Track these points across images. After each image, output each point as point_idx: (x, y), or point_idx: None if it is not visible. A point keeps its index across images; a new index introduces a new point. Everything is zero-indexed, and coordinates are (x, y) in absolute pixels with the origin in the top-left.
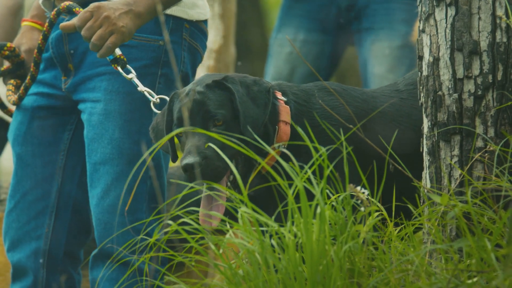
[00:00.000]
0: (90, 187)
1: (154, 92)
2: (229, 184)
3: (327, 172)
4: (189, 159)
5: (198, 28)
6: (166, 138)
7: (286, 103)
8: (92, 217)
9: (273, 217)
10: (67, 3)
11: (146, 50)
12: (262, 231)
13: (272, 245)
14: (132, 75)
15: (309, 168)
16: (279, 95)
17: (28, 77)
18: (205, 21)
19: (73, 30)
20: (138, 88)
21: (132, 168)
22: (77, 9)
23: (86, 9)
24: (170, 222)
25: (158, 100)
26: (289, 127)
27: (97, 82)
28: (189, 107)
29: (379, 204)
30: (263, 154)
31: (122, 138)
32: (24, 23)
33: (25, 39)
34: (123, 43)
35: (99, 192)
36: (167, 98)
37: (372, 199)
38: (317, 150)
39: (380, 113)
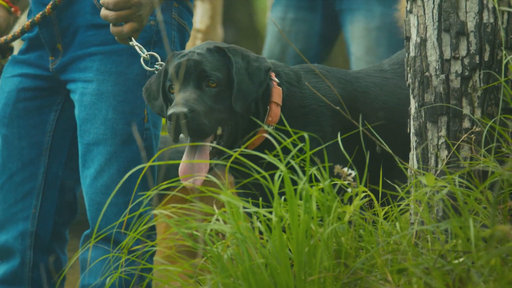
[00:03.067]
0: (83, 168)
1: (145, 74)
2: (211, 149)
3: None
4: (176, 109)
5: (186, 7)
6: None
7: (279, 84)
8: (85, 197)
9: (260, 199)
10: None
11: None
12: (249, 214)
13: (259, 228)
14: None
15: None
16: (273, 75)
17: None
18: (192, 0)
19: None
20: (130, 43)
21: (125, 148)
22: None
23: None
24: (156, 212)
25: (147, 56)
26: (279, 109)
27: (88, 62)
28: (186, 65)
29: (364, 188)
30: (251, 130)
31: (115, 118)
32: None
33: None
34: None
35: (92, 173)
36: (157, 55)
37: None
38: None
39: (364, 93)
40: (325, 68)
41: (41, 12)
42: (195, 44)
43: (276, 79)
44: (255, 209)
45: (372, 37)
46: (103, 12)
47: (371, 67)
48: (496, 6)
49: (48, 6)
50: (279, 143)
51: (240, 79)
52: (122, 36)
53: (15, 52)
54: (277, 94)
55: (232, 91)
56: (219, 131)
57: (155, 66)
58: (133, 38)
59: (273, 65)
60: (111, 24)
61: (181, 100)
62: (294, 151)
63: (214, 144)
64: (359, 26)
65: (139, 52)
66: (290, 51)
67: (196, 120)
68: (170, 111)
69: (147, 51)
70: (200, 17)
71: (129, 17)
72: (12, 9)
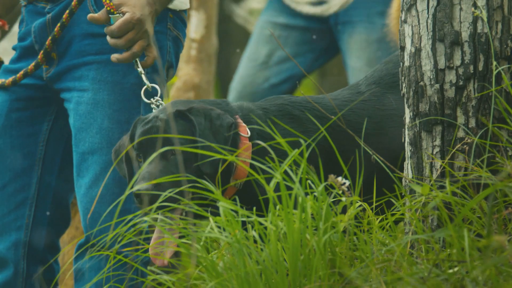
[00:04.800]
0: (78, 177)
1: (141, 82)
2: (184, 214)
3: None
4: (141, 186)
5: (180, 18)
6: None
7: (249, 139)
8: (79, 206)
9: (254, 209)
10: None
11: None
12: (244, 222)
13: (254, 237)
14: (140, 69)
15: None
16: (242, 129)
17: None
18: (186, 11)
19: (99, 24)
20: (138, 69)
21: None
22: (107, 1)
23: (128, 19)
24: (146, 219)
25: (150, 87)
26: (248, 164)
27: (84, 71)
28: (151, 133)
29: (358, 198)
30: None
31: (111, 127)
32: None
33: None
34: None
35: (87, 182)
36: (158, 88)
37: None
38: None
39: (340, 123)
40: (294, 103)
41: (42, 51)
42: (190, 54)
43: (246, 133)
44: (253, 217)
45: (373, 49)
46: (111, 41)
47: (348, 90)
48: (483, 18)
49: (48, 41)
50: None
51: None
52: (136, 56)
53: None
54: (246, 150)
55: (197, 154)
56: (189, 196)
57: (152, 102)
58: (139, 64)
59: (242, 109)
60: (124, 51)
61: (146, 174)
62: (285, 162)
63: (180, 218)
64: (360, 38)
65: (145, 81)
66: (277, 56)
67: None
68: (135, 188)
69: (143, 61)
70: (195, 26)
71: (136, 37)
72: (0, 23)
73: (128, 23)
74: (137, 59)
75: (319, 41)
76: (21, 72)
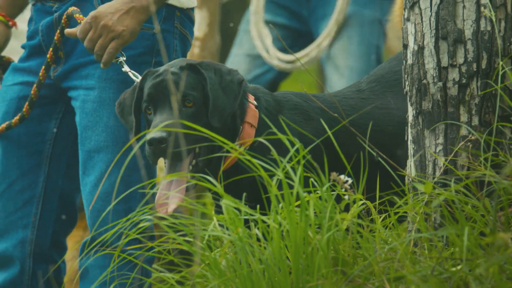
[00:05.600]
0: (83, 175)
1: None
2: (190, 168)
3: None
4: (155, 134)
5: (188, 16)
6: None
7: (256, 107)
8: (84, 205)
9: (258, 207)
10: (70, 9)
11: (140, 38)
12: (246, 221)
13: (256, 235)
14: (122, 58)
15: (286, 159)
16: (251, 98)
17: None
18: (193, 9)
19: (75, 37)
20: (123, 69)
21: (126, 156)
22: (77, 15)
23: (85, 19)
24: (149, 217)
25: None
26: (254, 131)
27: (90, 69)
28: (162, 86)
29: (361, 196)
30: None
31: (117, 126)
32: None
33: None
34: (126, 44)
35: (93, 180)
36: (138, 76)
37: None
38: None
39: (341, 119)
40: (302, 97)
41: (51, 49)
42: (193, 52)
43: (254, 102)
44: (256, 214)
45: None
46: (88, 50)
47: (349, 88)
48: (493, 16)
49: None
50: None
51: (215, 94)
52: (113, 54)
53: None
54: (252, 115)
55: (208, 108)
56: (197, 149)
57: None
58: (124, 64)
59: (254, 89)
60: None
61: (159, 124)
62: (286, 158)
63: (190, 174)
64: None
65: (133, 77)
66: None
67: (175, 143)
68: (150, 136)
69: (150, 60)
70: (198, 24)
71: (106, 40)
72: (10, 23)
73: (84, 23)
74: (122, 59)
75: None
76: (17, 117)
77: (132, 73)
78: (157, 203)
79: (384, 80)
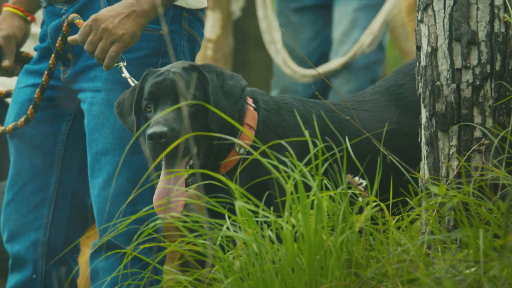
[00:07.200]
0: (91, 177)
1: None
2: (187, 167)
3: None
4: (156, 128)
5: (196, 17)
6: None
7: (255, 109)
8: (93, 207)
9: (271, 209)
10: (70, 16)
11: (147, 40)
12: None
13: (270, 236)
14: (122, 64)
15: (302, 161)
16: (249, 101)
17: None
18: (203, 10)
19: (77, 43)
20: (123, 75)
21: (134, 158)
22: (77, 21)
23: (85, 23)
24: (162, 215)
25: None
26: (253, 132)
27: (97, 72)
28: (164, 85)
29: (375, 198)
30: (225, 152)
31: (123, 128)
32: (5, 9)
33: (5, 25)
34: (127, 47)
35: (101, 182)
36: (133, 80)
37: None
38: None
39: (340, 129)
40: (302, 101)
41: (53, 54)
42: (206, 54)
43: (253, 104)
44: (272, 216)
45: (351, 18)
46: (89, 53)
47: (352, 97)
48: (511, 22)
49: (59, 43)
50: (254, 165)
51: (216, 97)
52: (114, 58)
53: None
54: (250, 116)
55: (208, 110)
56: (195, 150)
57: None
58: (124, 70)
59: (253, 91)
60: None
61: (160, 119)
62: (303, 161)
63: (188, 170)
64: (341, 9)
65: (131, 82)
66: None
67: (175, 139)
68: (150, 130)
69: (157, 61)
70: (211, 27)
71: (107, 44)
72: (29, 18)
73: (85, 26)
74: (122, 65)
75: (327, 14)
76: (22, 119)
77: (132, 80)
78: (156, 203)
79: (388, 93)
